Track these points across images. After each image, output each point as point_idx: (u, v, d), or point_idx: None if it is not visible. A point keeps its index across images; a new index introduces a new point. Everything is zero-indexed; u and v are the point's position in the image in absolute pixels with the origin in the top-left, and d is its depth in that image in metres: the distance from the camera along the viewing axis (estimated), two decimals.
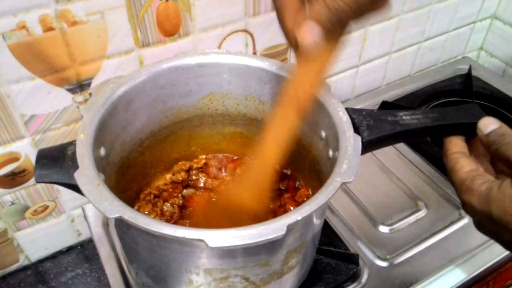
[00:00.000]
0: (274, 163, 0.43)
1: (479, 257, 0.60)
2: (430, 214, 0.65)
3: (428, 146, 0.75)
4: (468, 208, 0.41)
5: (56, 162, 0.40)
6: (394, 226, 0.64)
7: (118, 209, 0.35)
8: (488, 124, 0.43)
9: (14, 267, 0.66)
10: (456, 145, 0.45)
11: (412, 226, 0.64)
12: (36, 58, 0.49)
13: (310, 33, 0.35)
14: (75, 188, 0.38)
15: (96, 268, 0.65)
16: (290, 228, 0.35)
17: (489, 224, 0.39)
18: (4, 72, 0.48)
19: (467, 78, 0.89)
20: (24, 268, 0.66)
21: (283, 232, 0.34)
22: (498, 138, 0.41)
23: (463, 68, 0.94)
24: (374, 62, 0.85)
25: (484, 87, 0.88)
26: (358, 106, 0.85)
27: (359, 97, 0.89)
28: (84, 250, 0.69)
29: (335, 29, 0.36)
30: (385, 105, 0.81)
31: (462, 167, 0.43)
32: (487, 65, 1.00)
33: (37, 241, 0.65)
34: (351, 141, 0.42)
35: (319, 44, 0.36)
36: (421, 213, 0.65)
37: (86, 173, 0.38)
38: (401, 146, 0.76)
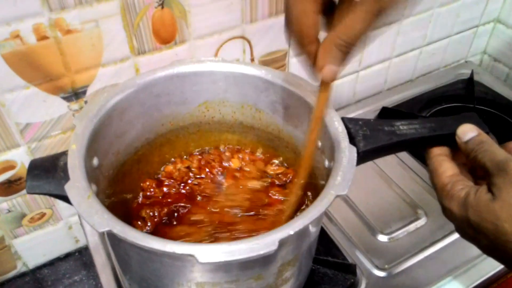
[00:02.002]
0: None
1: (479, 267, 0.59)
2: (430, 222, 0.65)
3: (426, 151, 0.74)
4: (447, 213, 0.42)
5: (47, 173, 0.40)
6: (393, 235, 0.63)
7: (108, 222, 0.35)
8: (467, 132, 0.43)
9: (11, 274, 0.66)
10: (440, 148, 0.45)
11: (412, 235, 0.63)
12: (31, 67, 0.49)
13: (331, 72, 0.37)
14: (67, 199, 0.38)
15: (93, 275, 0.65)
16: (282, 243, 0.34)
17: (468, 230, 0.40)
18: None
19: (469, 83, 0.88)
20: (22, 275, 0.66)
21: (274, 247, 0.34)
22: (476, 146, 0.42)
23: (466, 72, 0.93)
24: (375, 67, 0.84)
25: (487, 92, 0.87)
26: (359, 112, 0.84)
27: (359, 102, 0.88)
28: (82, 257, 0.69)
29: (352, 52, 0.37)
30: (385, 111, 0.80)
31: (445, 171, 0.43)
32: (490, 69, 0.99)
33: (34, 248, 0.65)
34: (346, 152, 0.42)
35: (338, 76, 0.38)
36: (421, 222, 0.65)
37: (77, 185, 0.37)
38: (401, 153, 0.75)
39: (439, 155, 0.45)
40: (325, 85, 0.40)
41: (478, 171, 0.45)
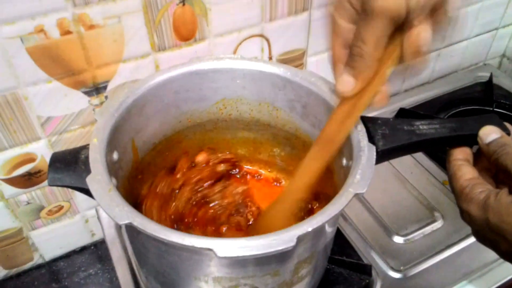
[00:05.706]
0: (302, 196, 0.46)
1: (496, 272, 0.58)
2: (446, 225, 0.64)
3: (446, 154, 0.73)
4: (466, 216, 0.41)
5: (69, 166, 0.41)
6: (409, 237, 0.62)
7: (128, 215, 0.35)
8: (489, 133, 0.43)
9: (28, 265, 0.67)
10: (460, 152, 0.45)
11: (428, 237, 0.62)
12: (53, 61, 0.50)
13: (344, 84, 0.39)
14: (87, 192, 0.38)
15: (109, 268, 0.66)
16: (300, 239, 0.34)
17: (487, 233, 0.39)
18: (22, 74, 0.49)
19: (488, 86, 0.87)
20: (38, 267, 0.67)
21: (292, 243, 0.34)
22: (498, 148, 0.41)
23: (484, 75, 0.92)
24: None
25: (506, 95, 0.86)
26: (376, 112, 0.84)
27: None
28: (98, 251, 0.69)
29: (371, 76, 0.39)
30: (402, 112, 0.80)
31: (464, 175, 0.42)
32: (509, 72, 0.98)
33: (51, 240, 0.66)
34: (365, 150, 0.42)
35: (352, 93, 0.39)
36: (437, 224, 0.64)
37: (98, 178, 0.38)
38: (418, 154, 0.75)
39: (458, 159, 0.44)
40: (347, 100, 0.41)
41: (499, 175, 0.44)
